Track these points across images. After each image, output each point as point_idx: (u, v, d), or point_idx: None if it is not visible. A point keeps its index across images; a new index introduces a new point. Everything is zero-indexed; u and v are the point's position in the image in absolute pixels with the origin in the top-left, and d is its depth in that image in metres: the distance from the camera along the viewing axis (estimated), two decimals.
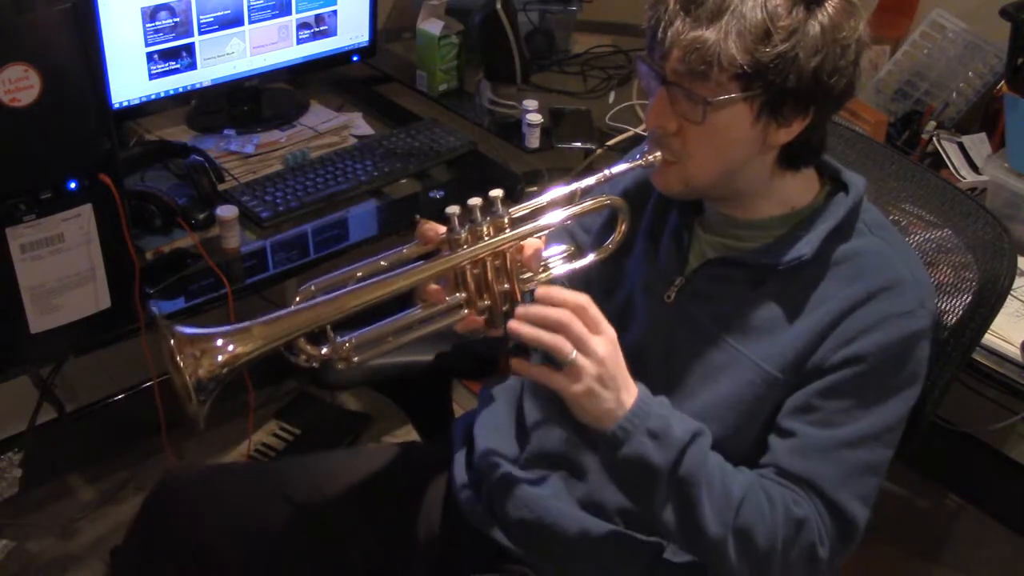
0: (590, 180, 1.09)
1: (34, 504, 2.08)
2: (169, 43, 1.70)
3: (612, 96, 2.09)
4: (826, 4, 1.00)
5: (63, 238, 1.26)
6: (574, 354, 0.98)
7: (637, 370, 1.05)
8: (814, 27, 0.98)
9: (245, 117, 1.89)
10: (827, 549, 1.07)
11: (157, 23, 1.66)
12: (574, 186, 1.09)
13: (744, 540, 1.04)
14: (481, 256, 1.04)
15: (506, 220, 1.04)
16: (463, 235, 1.03)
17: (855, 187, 1.13)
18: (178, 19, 1.69)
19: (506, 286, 1.06)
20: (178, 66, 1.73)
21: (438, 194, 1.76)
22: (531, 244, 1.07)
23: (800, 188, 1.13)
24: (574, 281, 1.15)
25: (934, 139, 1.85)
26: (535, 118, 1.89)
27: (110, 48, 1.60)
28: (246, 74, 1.83)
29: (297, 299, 1.00)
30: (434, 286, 1.05)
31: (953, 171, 1.78)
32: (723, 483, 1.04)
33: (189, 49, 1.73)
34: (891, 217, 1.26)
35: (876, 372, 1.06)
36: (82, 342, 1.38)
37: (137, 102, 1.71)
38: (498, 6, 1.96)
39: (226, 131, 1.84)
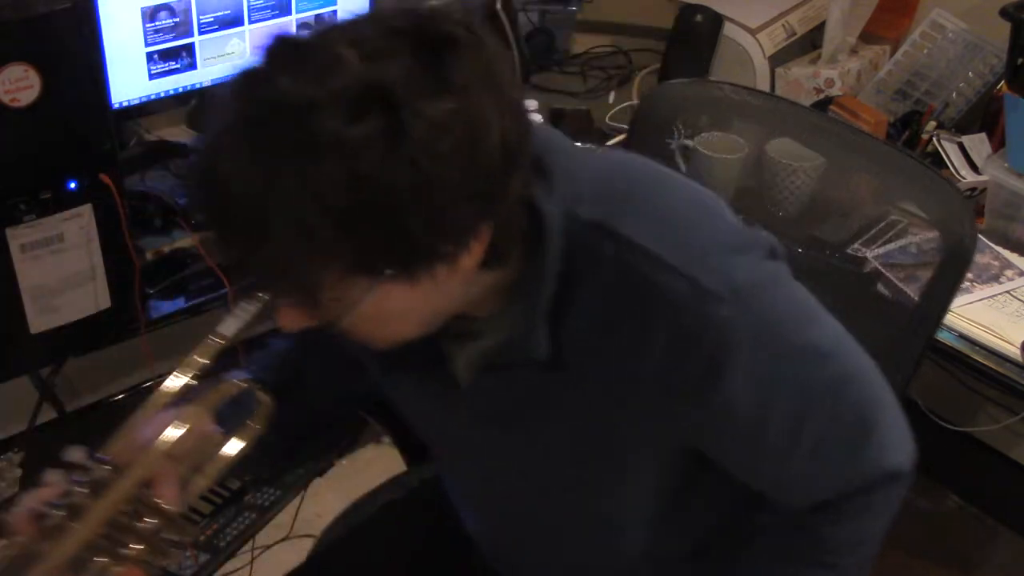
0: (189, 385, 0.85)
1: None
2: (169, 43, 1.70)
3: (612, 96, 2.09)
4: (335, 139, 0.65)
5: (63, 238, 1.26)
6: None
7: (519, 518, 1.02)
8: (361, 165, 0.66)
9: None
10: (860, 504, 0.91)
11: (157, 23, 1.66)
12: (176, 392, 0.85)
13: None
14: (99, 529, 0.82)
15: (108, 470, 0.84)
16: (60, 516, 0.82)
17: (551, 218, 0.79)
18: (178, 19, 1.68)
19: (156, 521, 0.85)
20: (178, 66, 1.73)
21: None
22: (162, 473, 0.85)
23: (513, 259, 0.81)
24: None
25: (934, 139, 1.84)
26: (535, 118, 1.89)
27: (110, 48, 1.60)
28: None
29: None
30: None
31: (953, 171, 1.78)
32: None
33: (189, 49, 1.73)
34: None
35: (766, 399, 0.84)
36: (82, 342, 1.38)
37: (137, 102, 1.71)
38: (498, 6, 1.96)
39: None
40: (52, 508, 0.82)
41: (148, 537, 0.84)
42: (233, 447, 0.92)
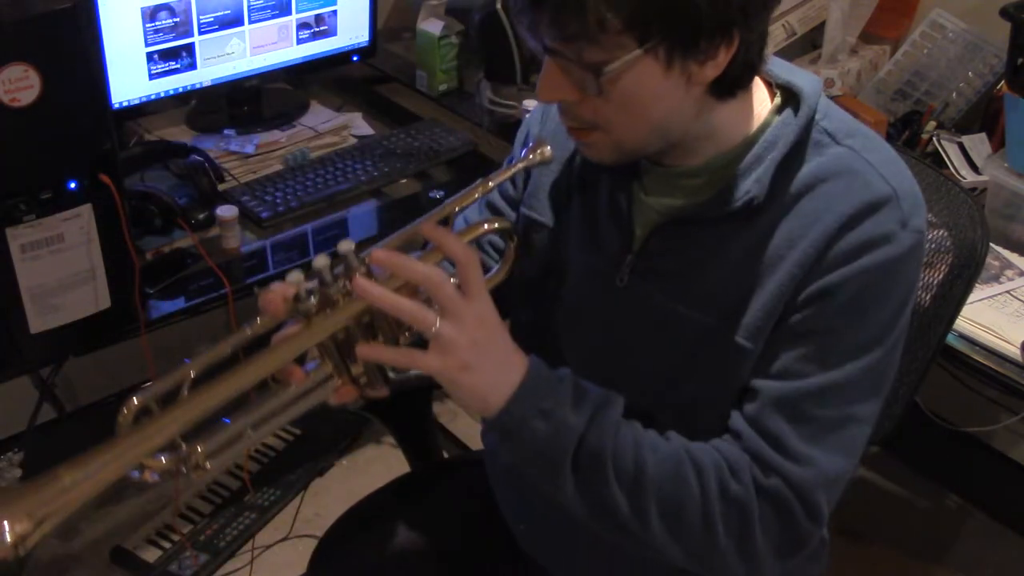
0: (465, 199, 0.96)
1: None
2: (169, 43, 1.70)
3: None
4: None
5: (63, 238, 1.26)
6: (438, 323, 0.84)
7: (595, 374, 1.00)
8: None
9: (245, 117, 1.89)
10: (781, 522, 0.93)
11: (157, 23, 1.66)
12: (445, 208, 0.95)
13: (670, 518, 0.92)
14: (339, 327, 0.87)
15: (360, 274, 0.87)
16: (312, 304, 0.86)
17: (807, 97, 0.95)
18: (178, 19, 1.69)
19: (380, 339, 0.90)
20: (178, 66, 1.73)
21: (438, 194, 1.76)
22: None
23: (745, 113, 0.95)
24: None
25: (934, 139, 1.85)
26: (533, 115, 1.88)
27: (110, 48, 1.60)
28: (246, 74, 1.83)
29: (125, 411, 0.86)
30: (292, 366, 0.88)
31: (953, 171, 1.79)
32: (636, 461, 0.91)
33: (189, 49, 1.73)
34: None
35: (845, 310, 0.91)
36: (82, 342, 1.38)
37: (137, 102, 1.71)
38: (498, 6, 1.96)
39: (226, 131, 1.84)
40: (308, 295, 0.85)
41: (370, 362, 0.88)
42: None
